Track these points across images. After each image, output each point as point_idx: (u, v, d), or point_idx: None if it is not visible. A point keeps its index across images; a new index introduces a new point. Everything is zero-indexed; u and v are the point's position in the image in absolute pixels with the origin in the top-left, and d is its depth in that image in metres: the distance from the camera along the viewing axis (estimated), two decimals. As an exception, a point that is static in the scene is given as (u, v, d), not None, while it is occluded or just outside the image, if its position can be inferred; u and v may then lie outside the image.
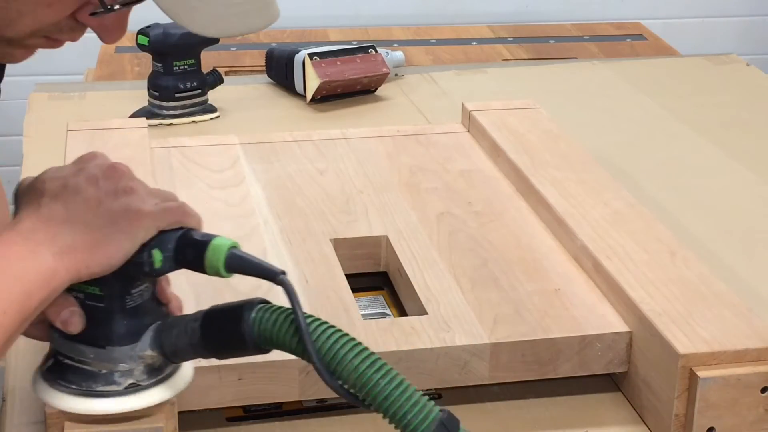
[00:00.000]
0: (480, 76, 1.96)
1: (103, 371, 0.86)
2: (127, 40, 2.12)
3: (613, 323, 1.05)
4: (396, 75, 1.90)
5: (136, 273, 0.85)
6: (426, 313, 1.06)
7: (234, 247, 0.84)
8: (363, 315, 1.07)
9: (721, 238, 1.36)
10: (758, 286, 1.24)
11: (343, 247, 1.19)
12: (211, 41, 1.71)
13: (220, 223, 1.22)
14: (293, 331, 0.81)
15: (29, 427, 0.99)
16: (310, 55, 1.75)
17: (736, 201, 1.47)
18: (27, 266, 0.80)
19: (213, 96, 1.75)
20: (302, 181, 1.33)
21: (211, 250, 0.83)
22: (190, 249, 0.84)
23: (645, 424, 1.02)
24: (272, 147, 1.43)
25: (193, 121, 1.71)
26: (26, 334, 0.86)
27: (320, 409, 1.04)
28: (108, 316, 0.86)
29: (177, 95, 1.70)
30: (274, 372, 0.98)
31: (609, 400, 1.06)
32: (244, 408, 1.03)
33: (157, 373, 0.88)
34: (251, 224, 1.23)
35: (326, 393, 1.00)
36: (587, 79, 1.95)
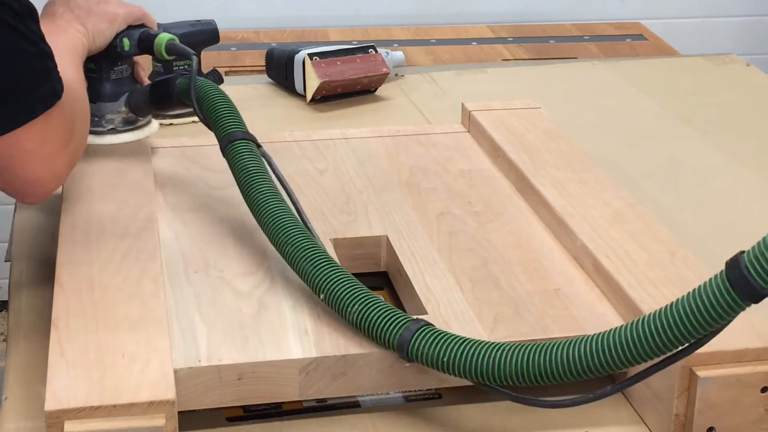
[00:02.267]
0: (480, 76, 1.96)
1: (96, 118, 1.30)
2: (127, 40, 2.13)
3: (613, 323, 1.05)
4: (396, 75, 1.91)
5: (113, 53, 1.30)
6: (426, 313, 1.06)
7: (172, 39, 1.29)
8: (363, 315, 1.07)
9: (721, 238, 1.36)
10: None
11: (343, 247, 1.19)
12: (211, 41, 1.71)
13: (220, 223, 1.22)
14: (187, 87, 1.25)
15: (29, 427, 0.99)
16: (310, 55, 1.75)
17: (736, 201, 1.47)
18: (68, 35, 1.24)
19: (213, 96, 1.74)
20: (302, 181, 1.33)
21: (158, 40, 1.29)
22: (146, 39, 1.30)
23: (645, 424, 1.02)
24: (272, 147, 1.43)
25: (193, 121, 1.70)
26: None
27: (320, 409, 1.04)
28: (99, 82, 1.32)
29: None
30: (274, 372, 0.98)
31: (609, 400, 1.05)
32: (244, 408, 1.03)
33: (130, 125, 1.34)
34: (251, 224, 1.22)
35: (326, 393, 1.00)
36: (587, 79, 1.96)
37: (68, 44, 1.22)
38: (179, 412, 0.93)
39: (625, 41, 2.35)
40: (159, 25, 1.68)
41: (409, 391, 1.06)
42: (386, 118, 1.73)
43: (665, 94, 1.87)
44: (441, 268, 1.14)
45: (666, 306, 0.86)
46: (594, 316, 1.06)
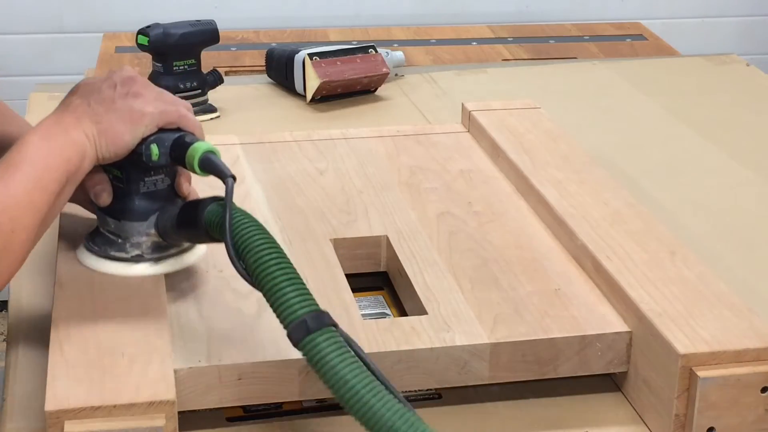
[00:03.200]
0: (480, 76, 1.96)
1: (119, 240, 1.08)
2: (127, 40, 2.13)
3: (613, 323, 1.05)
4: (396, 75, 1.90)
5: (139, 162, 1.04)
6: (426, 313, 1.06)
7: (210, 151, 1.02)
8: (363, 315, 1.07)
9: (721, 238, 1.36)
10: (758, 286, 1.24)
11: (343, 247, 1.19)
12: (211, 41, 1.71)
13: (220, 223, 1.22)
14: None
15: (29, 427, 0.99)
16: (310, 55, 1.75)
17: (736, 201, 1.47)
18: (65, 140, 1.01)
19: (213, 96, 1.75)
20: (302, 181, 1.33)
21: (192, 150, 1.02)
22: (179, 147, 1.04)
23: (645, 424, 1.02)
24: (272, 147, 1.43)
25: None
26: (79, 203, 1.13)
27: (320, 409, 1.04)
28: (126, 195, 1.07)
29: (177, 95, 1.69)
30: (274, 372, 0.98)
31: (609, 400, 1.06)
32: (244, 408, 1.03)
33: (161, 252, 1.08)
34: (251, 224, 1.22)
35: (326, 393, 1.00)
36: (587, 79, 1.95)
37: (58, 152, 0.99)
38: (179, 412, 0.93)
39: (625, 41, 2.35)
40: (158, 25, 1.64)
41: (409, 391, 1.06)
42: (386, 118, 1.73)
43: (665, 94, 1.87)
44: (441, 268, 1.14)
45: None
46: (594, 316, 1.06)
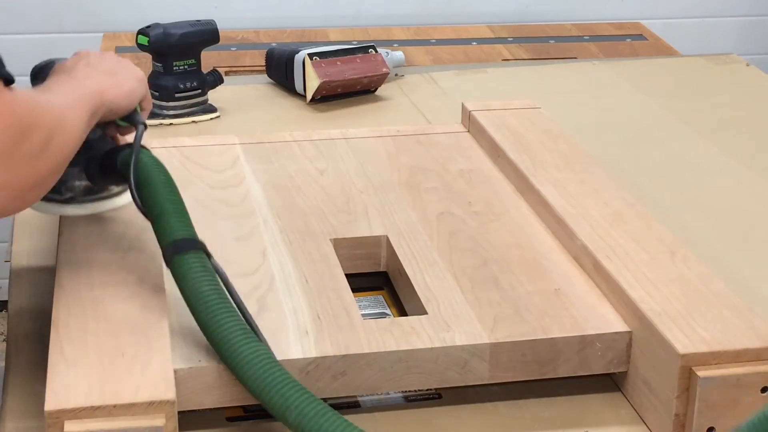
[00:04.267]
0: (480, 76, 1.96)
1: (59, 183, 1.05)
2: (127, 40, 2.13)
3: (613, 323, 1.05)
4: (396, 75, 1.90)
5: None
6: (426, 313, 1.06)
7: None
8: (363, 315, 1.07)
9: (721, 238, 1.36)
10: (758, 286, 1.24)
11: (343, 247, 1.19)
12: (211, 41, 1.71)
13: (220, 223, 1.22)
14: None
15: (29, 427, 0.99)
16: (310, 55, 1.75)
17: (736, 201, 1.47)
18: (87, 83, 1.05)
19: (213, 96, 1.75)
20: (302, 181, 1.33)
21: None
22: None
23: (645, 424, 1.02)
24: (272, 147, 1.43)
25: (193, 121, 1.71)
26: None
27: (320, 409, 1.04)
28: None
29: (177, 95, 1.70)
30: (274, 372, 0.98)
31: (609, 400, 1.06)
32: (244, 408, 1.03)
33: (90, 194, 1.15)
34: (251, 224, 1.23)
35: (326, 393, 1.00)
36: (587, 79, 1.96)
37: (83, 89, 1.04)
38: (179, 412, 0.93)
39: (625, 41, 2.35)
40: (158, 25, 1.67)
41: (409, 391, 1.06)
42: (386, 118, 1.73)
43: (665, 94, 1.87)
44: (441, 268, 1.14)
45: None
46: (594, 316, 1.06)
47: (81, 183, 1.14)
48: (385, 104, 1.81)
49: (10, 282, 1.23)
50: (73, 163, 1.06)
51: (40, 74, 1.13)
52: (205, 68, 1.74)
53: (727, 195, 1.49)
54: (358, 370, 0.99)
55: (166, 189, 1.03)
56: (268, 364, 0.93)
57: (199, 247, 1.00)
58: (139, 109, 1.12)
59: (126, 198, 1.16)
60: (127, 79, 1.10)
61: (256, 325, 0.98)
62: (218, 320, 0.95)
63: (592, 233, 1.17)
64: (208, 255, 1.00)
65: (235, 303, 0.98)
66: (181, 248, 0.99)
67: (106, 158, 1.11)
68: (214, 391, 0.97)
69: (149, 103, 1.16)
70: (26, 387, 1.04)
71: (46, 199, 1.11)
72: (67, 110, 0.97)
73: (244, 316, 0.98)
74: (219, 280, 0.99)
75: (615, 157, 1.56)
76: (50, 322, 1.00)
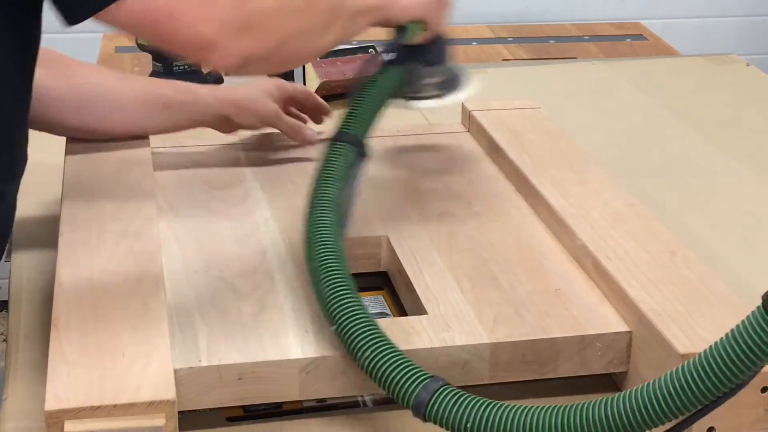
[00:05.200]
0: (480, 76, 1.95)
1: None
2: (128, 40, 2.13)
3: (613, 323, 1.05)
4: (396, 75, 1.90)
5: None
6: (426, 313, 1.06)
7: None
8: (363, 315, 1.07)
9: (721, 238, 1.36)
10: (758, 286, 1.24)
11: (343, 247, 1.19)
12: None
13: (220, 223, 1.22)
14: None
15: (29, 427, 0.99)
16: (310, 55, 1.75)
17: (736, 201, 1.47)
18: None
19: (213, 96, 1.74)
20: (302, 182, 1.33)
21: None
22: None
23: (645, 424, 1.02)
24: (272, 147, 1.43)
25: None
26: None
27: (320, 409, 1.04)
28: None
29: (177, 95, 1.69)
30: (274, 372, 0.98)
31: (609, 400, 1.05)
32: (244, 408, 1.03)
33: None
34: (251, 224, 1.23)
35: (326, 393, 1.00)
36: (587, 79, 1.95)
37: None
38: (179, 412, 0.93)
39: (625, 41, 2.35)
40: None
41: (409, 391, 1.06)
42: (386, 118, 1.73)
43: (665, 94, 1.87)
44: (441, 268, 1.14)
45: (703, 352, 0.82)
46: (594, 316, 1.06)
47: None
48: (385, 104, 1.80)
49: (10, 282, 1.23)
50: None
51: None
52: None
53: (727, 195, 1.49)
54: (358, 370, 0.99)
55: (367, 94, 1.22)
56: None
57: (353, 142, 1.16)
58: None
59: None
60: None
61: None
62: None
63: (592, 233, 1.16)
64: (362, 154, 1.17)
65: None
66: (337, 138, 1.16)
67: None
68: (214, 391, 0.97)
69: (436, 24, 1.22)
70: (26, 387, 1.04)
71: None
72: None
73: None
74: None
75: (615, 157, 1.56)
76: (50, 322, 1.00)
